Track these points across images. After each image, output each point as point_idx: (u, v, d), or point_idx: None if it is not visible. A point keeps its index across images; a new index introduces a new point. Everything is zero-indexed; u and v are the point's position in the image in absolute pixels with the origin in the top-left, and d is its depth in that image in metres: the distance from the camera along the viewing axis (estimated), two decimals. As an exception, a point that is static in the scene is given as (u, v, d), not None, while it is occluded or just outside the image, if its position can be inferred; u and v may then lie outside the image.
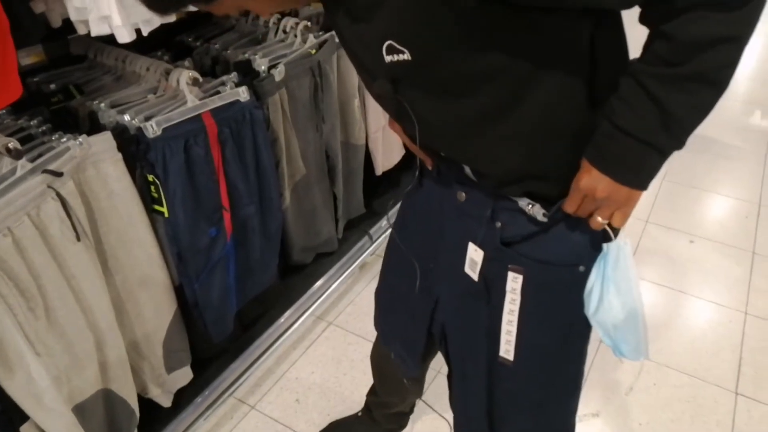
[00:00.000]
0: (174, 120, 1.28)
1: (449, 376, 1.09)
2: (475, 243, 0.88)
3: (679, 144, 0.72)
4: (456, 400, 1.09)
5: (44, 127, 1.26)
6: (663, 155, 0.73)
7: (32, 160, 1.10)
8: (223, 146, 1.39)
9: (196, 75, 1.34)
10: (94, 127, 1.30)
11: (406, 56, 0.68)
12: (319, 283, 1.97)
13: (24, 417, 1.16)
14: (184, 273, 1.41)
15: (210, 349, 1.63)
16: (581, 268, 0.83)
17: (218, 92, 1.40)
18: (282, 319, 1.85)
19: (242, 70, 1.52)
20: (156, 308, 1.39)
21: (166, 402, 1.53)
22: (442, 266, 0.96)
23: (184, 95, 1.33)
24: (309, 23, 1.68)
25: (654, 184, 2.93)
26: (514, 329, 0.89)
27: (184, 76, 1.32)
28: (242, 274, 1.58)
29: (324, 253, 2.04)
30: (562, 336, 0.91)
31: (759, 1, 0.64)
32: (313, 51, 1.64)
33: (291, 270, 1.94)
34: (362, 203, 2.12)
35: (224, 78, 1.43)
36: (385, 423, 1.57)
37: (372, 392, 1.53)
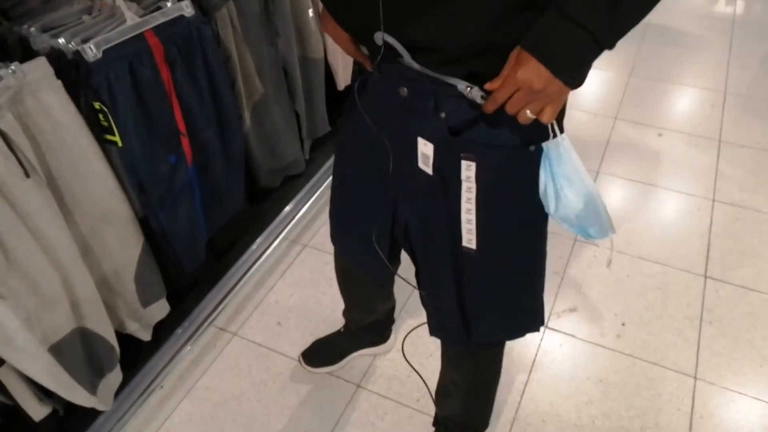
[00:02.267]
0: (114, 40, 1.19)
1: (417, 275, 1.09)
2: (423, 137, 0.86)
3: (613, 43, 0.71)
4: (427, 298, 1.10)
5: (-29, 59, 1.16)
6: (600, 51, 0.71)
7: (-38, 94, 1.01)
8: (172, 67, 1.30)
9: (132, -11, 1.24)
10: (26, 54, 1.20)
11: None
12: (289, 206, 1.94)
13: (1, 361, 1.13)
14: (147, 204, 1.36)
15: (185, 280, 1.61)
16: (531, 148, 0.82)
17: (159, 8, 1.29)
18: (255, 245, 1.82)
19: (183, -18, 1.40)
20: (122, 242, 1.35)
21: (145, 336, 1.52)
22: (397, 166, 0.94)
23: (122, 13, 1.23)
24: (250, -74, 1.55)
25: (621, 80, 2.91)
26: (473, 217, 0.89)
27: (119, -10, 1.21)
28: (208, 201, 1.54)
29: (292, 176, 1.99)
30: (521, 218, 0.92)
31: None
32: (258, -43, 1.53)
33: (260, 195, 1.90)
34: (326, 121, 2.06)
35: (164, -9, 1.32)
36: (365, 336, 1.59)
37: (345, 308, 1.54)
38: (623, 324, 1.70)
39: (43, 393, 1.28)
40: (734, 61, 2.80)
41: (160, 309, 1.52)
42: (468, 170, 0.85)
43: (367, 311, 1.49)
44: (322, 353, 1.61)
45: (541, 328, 1.69)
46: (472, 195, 0.87)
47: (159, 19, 1.27)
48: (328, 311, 1.77)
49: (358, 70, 0.96)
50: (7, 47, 1.23)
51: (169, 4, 1.30)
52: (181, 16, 1.31)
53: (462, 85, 0.78)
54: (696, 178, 2.17)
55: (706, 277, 1.82)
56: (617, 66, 2.79)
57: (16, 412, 1.25)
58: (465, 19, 0.72)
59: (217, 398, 1.56)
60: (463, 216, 0.90)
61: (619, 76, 2.74)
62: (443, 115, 0.83)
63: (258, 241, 1.83)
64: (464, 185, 0.87)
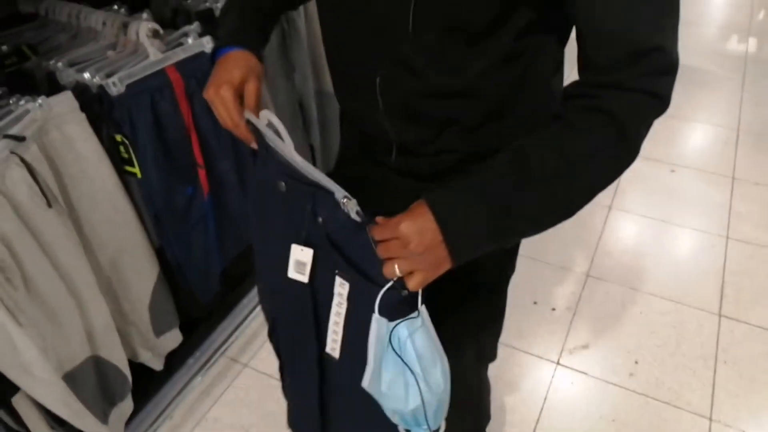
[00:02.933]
0: (137, 75, 1.22)
1: (281, 368, 1.05)
2: (299, 242, 0.78)
3: (508, 241, 0.70)
4: (288, 389, 1.06)
5: (0, 91, 1.20)
6: (495, 242, 0.68)
7: (-10, 126, 1.04)
8: (192, 100, 1.34)
9: (156, 26, 1.28)
10: (53, 88, 1.24)
11: None
12: (303, 237, 1.95)
13: (15, 388, 1.14)
14: (163, 234, 1.38)
15: (198, 310, 1.62)
16: (404, 292, 0.70)
17: (181, 44, 1.34)
18: (269, 276, 1.83)
19: (204, 19, 1.45)
20: (138, 272, 1.37)
21: (157, 365, 1.53)
22: (271, 255, 0.88)
23: (145, 49, 1.27)
24: (271, -34, 1.60)
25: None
26: (340, 330, 0.82)
27: (143, 28, 1.25)
28: (223, 232, 1.56)
29: (306, 207, 2.01)
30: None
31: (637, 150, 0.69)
32: (278, -4, 1.57)
33: (274, 226, 1.92)
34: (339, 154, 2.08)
35: (186, 29, 1.37)
36: None
37: None
38: (636, 362, 1.68)
39: (54, 421, 1.28)
40: (747, 98, 2.81)
41: (173, 338, 1.53)
42: (341, 287, 0.77)
43: None
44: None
45: (553, 365, 1.68)
46: (342, 310, 0.80)
47: (180, 55, 1.31)
48: (339, 343, 1.77)
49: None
50: (35, 81, 1.27)
51: (190, 41, 1.35)
52: (202, 52, 1.35)
53: (339, 194, 0.69)
54: (709, 215, 2.16)
55: (720, 315, 1.80)
56: (629, 102, 2.82)
57: (27, 440, 1.25)
58: (466, 64, 0.75)
59: (226, 429, 1.55)
60: (331, 326, 0.83)
61: (631, 111, 2.76)
62: (320, 219, 0.75)
63: (271, 271, 1.84)
64: (336, 299, 0.79)
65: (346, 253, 0.74)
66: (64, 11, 1.37)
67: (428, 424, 0.75)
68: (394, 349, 0.70)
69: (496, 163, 0.68)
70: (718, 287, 1.89)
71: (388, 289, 0.67)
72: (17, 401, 1.19)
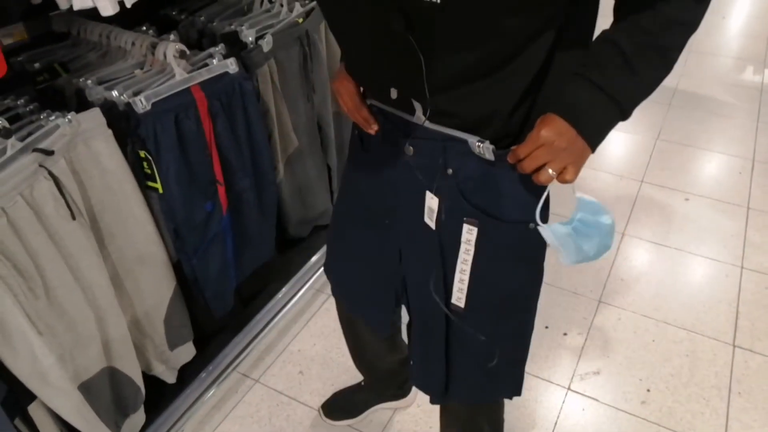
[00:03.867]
0: (163, 94, 1.26)
1: (408, 324, 1.11)
2: (431, 191, 0.89)
3: (630, 111, 0.78)
4: (415, 345, 1.11)
5: (31, 107, 1.25)
6: (622, 117, 0.78)
7: (21, 140, 1.08)
8: (215, 119, 1.37)
9: (183, 47, 1.32)
10: (81, 104, 1.29)
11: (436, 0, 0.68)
12: (316, 256, 1.97)
13: (32, 396, 1.17)
14: (182, 249, 1.41)
15: (212, 325, 1.64)
16: (531, 226, 0.85)
17: (206, 65, 1.38)
18: (281, 293, 1.85)
19: (229, 41, 1.50)
20: (155, 285, 1.39)
21: (170, 378, 1.54)
22: (403, 221, 0.97)
23: (172, 69, 1.31)
24: (295, -9, 1.65)
25: (648, 143, 2.94)
26: (466, 278, 0.91)
27: (171, 49, 1.29)
28: (240, 249, 1.58)
29: (321, 226, 2.03)
30: (512, 290, 0.95)
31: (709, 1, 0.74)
32: (300, 20, 1.62)
33: (289, 243, 1.94)
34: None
35: (212, 50, 1.41)
36: (384, 389, 1.59)
37: (352, 358, 1.53)
38: (648, 390, 1.67)
39: (68, 430, 1.30)
40: (762, 129, 2.81)
41: (187, 352, 1.55)
42: (469, 234, 0.87)
43: (375, 358, 1.48)
44: (342, 405, 1.61)
45: (564, 390, 1.67)
46: (469, 257, 0.89)
47: (205, 75, 1.35)
48: (350, 362, 1.76)
49: (357, 134, 1.00)
50: (64, 98, 1.31)
51: (215, 62, 1.39)
52: (226, 73, 1.39)
53: (473, 139, 0.81)
54: (724, 245, 2.16)
55: (734, 346, 1.78)
56: (644, 129, 2.83)
57: (41, 448, 1.27)
58: (492, 91, 0.77)
59: (235, 445, 1.56)
60: (457, 275, 0.92)
61: (645, 139, 2.77)
62: (450, 171, 0.85)
63: (284, 289, 1.86)
64: (463, 246, 0.89)
65: (474, 201, 0.85)
66: (96, 31, 1.42)
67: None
68: (580, 234, 0.82)
69: (593, 57, 0.76)
70: (733, 317, 1.88)
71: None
72: (33, 409, 1.21)
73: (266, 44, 1.51)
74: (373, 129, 0.93)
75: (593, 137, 0.77)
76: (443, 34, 0.72)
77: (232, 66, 1.39)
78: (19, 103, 1.25)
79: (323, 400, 1.64)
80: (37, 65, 1.36)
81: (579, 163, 0.79)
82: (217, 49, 1.41)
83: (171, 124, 1.29)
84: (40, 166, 1.08)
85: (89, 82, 1.28)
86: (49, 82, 1.34)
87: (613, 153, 2.68)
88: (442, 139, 0.84)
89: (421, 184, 0.89)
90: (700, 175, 2.55)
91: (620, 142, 2.76)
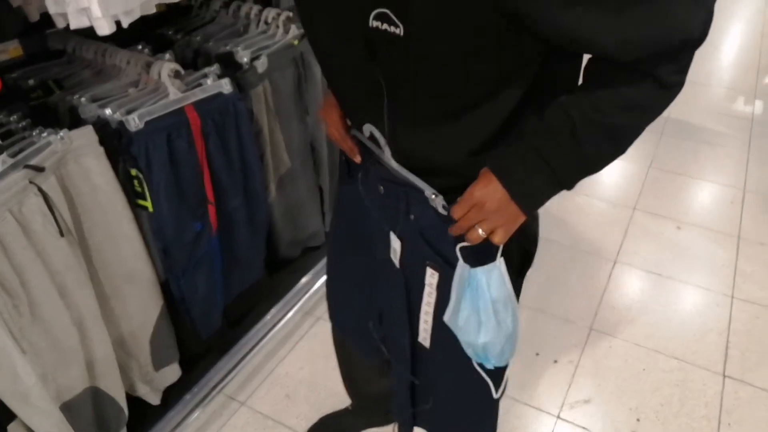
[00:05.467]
0: (156, 113, 1.27)
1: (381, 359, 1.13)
2: (395, 233, 0.90)
3: (570, 185, 0.76)
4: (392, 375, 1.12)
5: (24, 123, 1.24)
6: (558, 188, 0.76)
7: (13, 156, 1.08)
8: (207, 139, 1.38)
9: (178, 67, 1.33)
10: (74, 122, 1.29)
11: (399, 31, 0.66)
12: (306, 278, 1.96)
13: (11, 416, 1.14)
14: (170, 268, 1.40)
15: (198, 346, 1.62)
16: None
17: (200, 85, 1.38)
18: (269, 315, 1.84)
19: (224, 62, 1.51)
20: (142, 304, 1.38)
21: (154, 400, 1.52)
22: (378, 252, 0.98)
23: (166, 88, 1.31)
24: (291, 14, 1.67)
25: (641, 171, 2.95)
26: (430, 319, 0.93)
27: (166, 68, 1.30)
28: (228, 269, 1.57)
29: (311, 247, 2.03)
30: None
31: (678, 91, 0.71)
32: (296, 42, 1.63)
33: (278, 265, 1.93)
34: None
35: (206, 70, 1.42)
36: (371, 415, 1.57)
37: (343, 381, 1.52)
38: (638, 420, 1.66)
39: (47, 451, 1.27)
40: (753, 159, 2.84)
41: (172, 373, 1.53)
42: (431, 277, 0.88)
43: (364, 382, 1.46)
44: (329, 430, 1.59)
45: (553, 418, 1.65)
46: (432, 300, 0.90)
47: (199, 95, 1.35)
48: (337, 387, 1.75)
49: (344, 160, 1.00)
50: (58, 115, 1.31)
51: (209, 82, 1.39)
52: (220, 93, 1.40)
53: (428, 191, 0.81)
54: (715, 274, 2.16)
55: (724, 376, 1.78)
56: (637, 157, 2.85)
57: (19, 469, 1.24)
58: (456, 136, 0.77)
59: (219, 469, 1.53)
60: (422, 316, 0.93)
61: (638, 167, 2.79)
62: (412, 216, 0.86)
63: (272, 311, 1.84)
64: (426, 288, 0.90)
65: (436, 246, 0.85)
66: (91, 49, 1.43)
67: (493, 360, 0.86)
68: (472, 290, 0.82)
69: (543, 123, 0.74)
70: (723, 347, 1.87)
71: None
72: (13, 429, 1.18)
73: (261, 65, 1.52)
74: (357, 159, 0.94)
75: (526, 204, 0.76)
76: (406, 68, 0.71)
77: (226, 86, 1.40)
78: (11, 119, 1.25)
79: (309, 424, 1.62)
80: (31, 82, 1.37)
81: (509, 227, 0.78)
82: (211, 69, 1.42)
83: (163, 142, 1.29)
84: (30, 182, 1.08)
85: (83, 99, 1.28)
86: (42, 99, 1.34)
87: (606, 180, 2.70)
88: (404, 184, 0.84)
89: (388, 223, 0.91)
90: (692, 203, 2.56)
91: (613, 170, 2.78)
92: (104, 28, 1.16)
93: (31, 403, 1.13)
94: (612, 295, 2.08)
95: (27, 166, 1.08)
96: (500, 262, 0.81)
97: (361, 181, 0.97)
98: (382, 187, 0.89)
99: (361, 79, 0.77)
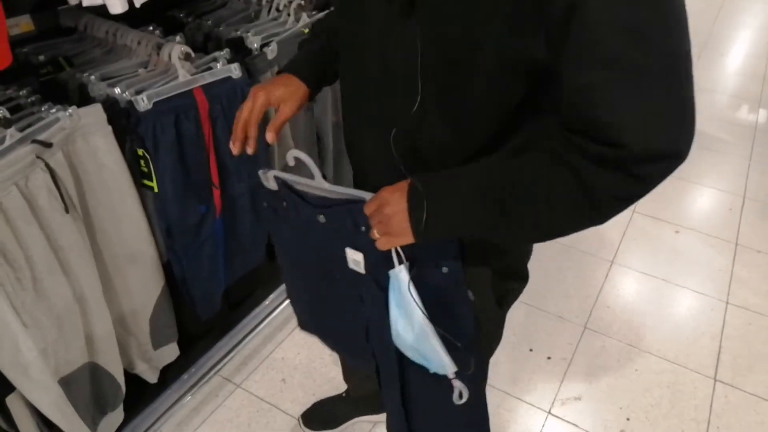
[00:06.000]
0: (165, 94, 1.27)
1: (377, 371, 1.06)
2: (352, 247, 0.87)
3: (466, 233, 0.74)
4: (382, 393, 1.08)
5: (33, 98, 1.25)
6: (452, 231, 0.74)
7: (21, 130, 1.09)
8: (214, 123, 1.38)
9: (188, 50, 1.33)
10: (83, 99, 1.29)
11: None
12: (307, 264, 1.98)
13: (10, 387, 1.16)
14: (173, 249, 1.41)
15: (197, 327, 1.63)
16: (444, 270, 0.83)
17: (210, 68, 1.39)
18: (268, 300, 1.85)
19: (234, 47, 1.51)
20: (144, 283, 1.39)
21: (152, 378, 1.53)
22: (339, 273, 0.94)
23: (176, 70, 1.32)
24: (302, 2, 1.67)
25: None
26: None
27: (176, 50, 1.31)
28: (231, 253, 1.59)
29: (313, 235, 2.04)
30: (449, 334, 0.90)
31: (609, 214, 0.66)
32: (306, 30, 1.64)
33: (279, 250, 1.94)
34: (352, 184, 2.12)
35: (216, 54, 1.42)
36: (366, 404, 1.59)
37: (343, 373, 1.53)
38: (628, 419, 1.68)
39: (44, 424, 1.29)
40: (754, 167, 2.85)
41: (170, 352, 1.55)
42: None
43: (364, 379, 1.48)
44: (322, 416, 1.61)
45: (544, 414, 1.67)
46: None
47: (208, 78, 1.36)
48: (332, 373, 1.77)
49: (268, 206, 0.96)
50: (67, 92, 1.32)
51: (219, 66, 1.40)
52: (229, 77, 1.40)
53: (368, 197, 0.79)
54: (711, 279, 2.17)
55: (715, 380, 1.80)
56: (639, 160, 2.85)
57: (16, 440, 1.26)
58: (461, 137, 0.78)
59: (212, 450, 1.55)
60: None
61: (639, 170, 2.80)
62: (364, 228, 0.83)
63: (272, 296, 1.86)
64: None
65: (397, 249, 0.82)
66: (102, 28, 1.43)
67: (431, 366, 0.86)
68: (392, 291, 0.82)
69: (471, 170, 0.72)
70: (715, 351, 1.89)
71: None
72: (11, 401, 1.20)
73: (271, 52, 1.52)
74: (235, 149, 0.90)
75: (418, 230, 0.72)
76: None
77: (235, 71, 1.40)
78: (21, 93, 1.26)
79: (304, 409, 1.63)
80: (42, 57, 1.37)
81: (393, 239, 0.75)
82: (221, 53, 1.43)
83: (171, 124, 1.29)
84: (38, 157, 1.08)
85: (92, 77, 1.29)
86: (52, 75, 1.35)
87: (607, 181, 2.71)
88: (345, 202, 0.82)
89: (342, 242, 0.88)
90: (692, 208, 2.58)
91: (614, 171, 2.78)
92: (116, 7, 1.17)
93: (31, 376, 1.14)
94: (608, 295, 2.10)
95: (35, 141, 1.09)
96: (400, 269, 0.79)
97: (292, 219, 0.93)
98: (321, 216, 0.86)
99: (389, 48, 0.76)
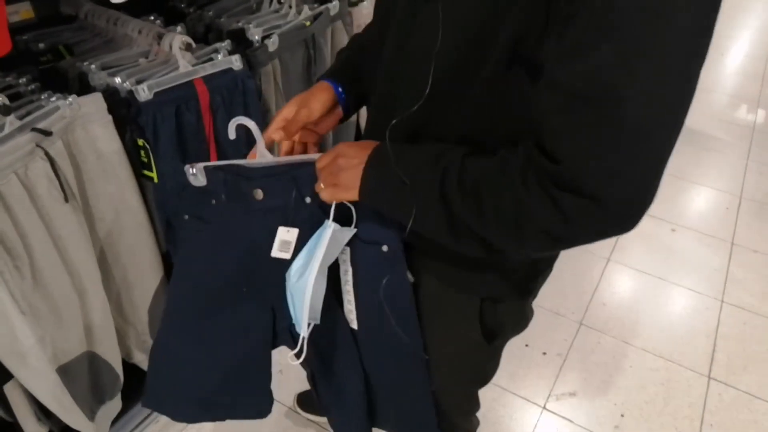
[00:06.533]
0: (166, 84, 1.27)
1: (312, 378, 1.02)
2: (288, 225, 0.85)
3: (406, 222, 0.70)
4: (327, 392, 1.03)
5: (33, 86, 1.25)
6: (394, 203, 0.71)
7: (20, 118, 1.08)
8: (215, 114, 1.38)
9: (189, 40, 1.33)
10: (83, 88, 1.28)
11: None
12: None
13: (8, 376, 1.16)
14: (172, 240, 1.41)
15: (194, 318, 1.64)
16: (384, 248, 0.81)
17: (211, 59, 1.38)
18: (267, 292, 1.85)
19: (235, 38, 1.50)
20: (142, 274, 1.39)
21: (149, 368, 1.54)
22: (271, 271, 0.88)
23: (177, 60, 1.31)
24: (304, -6, 1.67)
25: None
26: (353, 298, 0.88)
27: (177, 40, 1.30)
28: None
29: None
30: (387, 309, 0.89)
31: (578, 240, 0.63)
32: (308, 23, 1.63)
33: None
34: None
35: (217, 45, 1.42)
36: None
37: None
38: (622, 415, 1.69)
39: (42, 413, 1.29)
40: (752, 167, 2.86)
41: (167, 343, 1.55)
42: (344, 254, 0.84)
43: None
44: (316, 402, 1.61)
45: (539, 409, 1.68)
46: (350, 278, 0.87)
47: (209, 69, 1.35)
48: (329, 366, 1.78)
49: (189, 219, 0.93)
50: (67, 80, 1.32)
51: (220, 57, 1.39)
52: (230, 69, 1.40)
53: (317, 156, 0.79)
54: (706, 277, 2.19)
55: (709, 378, 1.81)
56: (637, 158, 2.86)
57: (12, 429, 1.26)
58: (456, 120, 0.74)
59: (208, 440, 1.56)
60: (344, 296, 0.89)
61: (637, 168, 2.80)
62: (309, 200, 0.81)
63: (269, 287, 1.86)
64: (342, 267, 0.86)
65: (339, 221, 0.80)
66: (103, 16, 1.42)
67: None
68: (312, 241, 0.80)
69: (442, 154, 0.68)
70: (710, 350, 1.90)
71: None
72: (9, 389, 1.20)
73: (272, 44, 1.52)
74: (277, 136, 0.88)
75: (367, 188, 0.72)
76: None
77: (236, 63, 1.40)
78: (21, 81, 1.25)
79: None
80: (41, 45, 1.36)
81: (338, 193, 0.75)
82: (222, 44, 1.42)
83: (171, 114, 1.29)
84: (37, 146, 1.08)
85: (93, 66, 1.28)
86: (52, 63, 1.34)
87: (605, 179, 2.71)
88: (290, 167, 0.80)
89: (275, 222, 0.85)
90: (688, 207, 2.59)
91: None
92: (118, -4, 1.16)
93: (28, 364, 1.14)
94: (603, 292, 2.11)
95: (34, 129, 1.08)
96: (330, 225, 0.78)
97: (222, 215, 0.89)
98: (260, 191, 0.83)
99: (408, 32, 0.73)
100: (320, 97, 0.93)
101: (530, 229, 0.61)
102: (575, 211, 0.58)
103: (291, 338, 0.94)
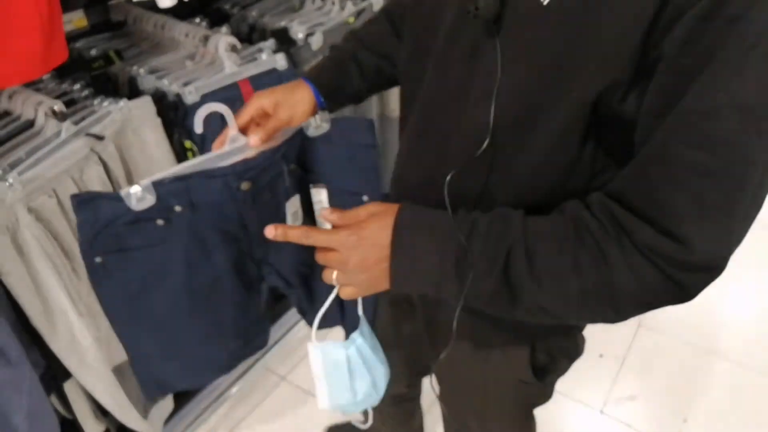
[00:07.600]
0: (212, 87, 1.28)
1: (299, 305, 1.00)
2: (289, 200, 0.79)
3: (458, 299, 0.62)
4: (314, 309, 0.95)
5: (86, 92, 1.27)
6: (449, 292, 0.62)
7: (75, 123, 1.11)
8: (260, 114, 1.38)
9: (235, 41, 1.33)
10: (133, 92, 1.31)
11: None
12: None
13: (67, 374, 1.19)
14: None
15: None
16: (365, 198, 0.75)
17: (255, 59, 1.39)
18: (316, 291, 1.85)
19: (279, 38, 1.51)
20: (192, 275, 1.40)
21: (201, 368, 1.56)
22: (273, 253, 0.83)
23: (222, 62, 1.32)
24: (347, -9, 1.65)
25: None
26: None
27: (223, 42, 1.31)
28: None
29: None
30: None
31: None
32: (351, 19, 1.62)
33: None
34: (397, 177, 2.10)
35: (261, 45, 1.42)
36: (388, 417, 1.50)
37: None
38: (685, 420, 1.61)
39: (100, 411, 1.32)
40: None
41: (218, 343, 1.56)
42: (319, 195, 0.80)
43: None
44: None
45: (596, 413, 1.62)
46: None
47: (253, 69, 1.36)
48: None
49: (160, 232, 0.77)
50: (117, 85, 1.34)
51: (264, 56, 1.39)
52: (274, 69, 1.40)
53: (314, 120, 0.73)
54: (775, 274, 2.06)
55: (782, 381, 1.70)
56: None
57: (72, 426, 1.29)
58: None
59: (259, 440, 1.57)
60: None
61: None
62: (293, 166, 0.75)
63: (317, 287, 1.86)
64: (316, 206, 0.82)
65: (317, 170, 0.77)
66: (151, 21, 1.44)
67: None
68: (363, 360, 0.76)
69: (485, 223, 0.61)
70: (781, 351, 1.79)
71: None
72: (68, 387, 1.23)
73: (315, 42, 1.51)
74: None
75: (398, 274, 0.62)
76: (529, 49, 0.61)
77: (281, 62, 1.40)
78: (75, 88, 1.28)
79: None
80: (93, 52, 1.40)
81: (363, 288, 0.65)
82: (266, 44, 1.42)
83: (218, 116, 1.28)
84: (92, 150, 1.10)
85: (141, 70, 1.31)
86: (104, 68, 1.37)
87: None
88: (274, 153, 0.73)
89: (278, 205, 0.79)
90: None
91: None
92: (165, 1, 1.17)
93: (87, 363, 1.17)
94: (663, 290, 2.02)
95: (89, 134, 1.11)
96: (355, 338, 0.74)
97: (178, 227, 0.75)
98: (246, 182, 0.73)
99: (461, 70, 0.65)
100: (303, 106, 0.85)
101: (631, 304, 0.58)
102: (699, 286, 0.57)
103: (278, 277, 0.91)
